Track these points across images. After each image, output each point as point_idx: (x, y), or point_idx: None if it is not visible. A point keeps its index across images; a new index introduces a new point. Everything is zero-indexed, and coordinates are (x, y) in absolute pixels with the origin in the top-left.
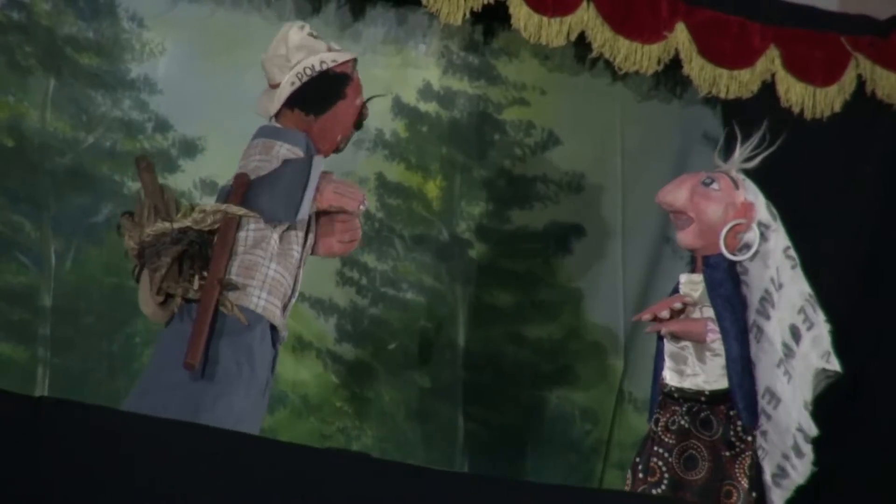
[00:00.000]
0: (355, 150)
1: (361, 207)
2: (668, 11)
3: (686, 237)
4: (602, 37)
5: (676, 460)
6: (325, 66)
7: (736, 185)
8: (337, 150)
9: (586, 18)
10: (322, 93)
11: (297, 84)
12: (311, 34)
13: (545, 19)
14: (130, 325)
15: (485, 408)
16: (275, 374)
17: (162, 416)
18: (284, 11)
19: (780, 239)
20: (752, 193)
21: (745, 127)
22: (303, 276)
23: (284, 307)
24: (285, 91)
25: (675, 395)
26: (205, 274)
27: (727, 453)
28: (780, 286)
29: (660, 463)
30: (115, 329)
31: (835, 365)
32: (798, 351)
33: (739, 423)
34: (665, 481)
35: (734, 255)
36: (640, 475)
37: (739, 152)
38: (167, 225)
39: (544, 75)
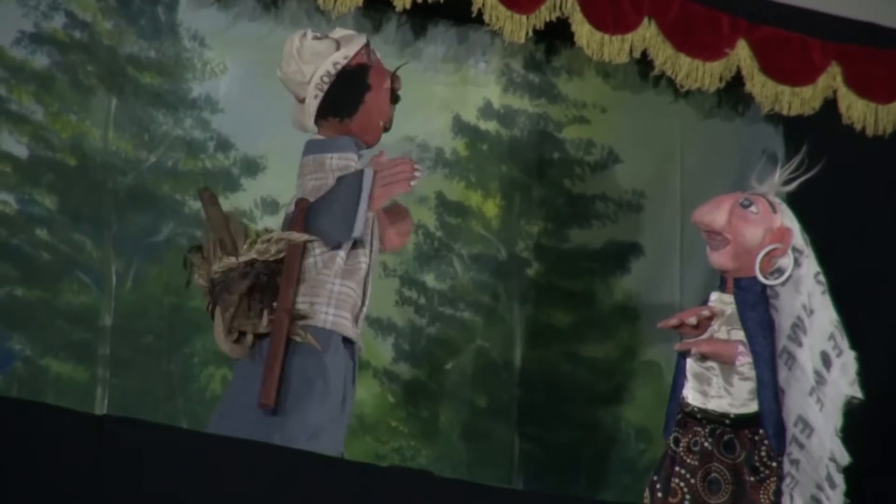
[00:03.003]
0: None
1: (413, 183)
2: (730, 28)
3: (721, 258)
4: (664, 54)
5: (700, 483)
6: (339, 67)
7: (773, 208)
8: (387, 129)
9: (648, 36)
10: (347, 94)
11: (321, 95)
12: (315, 37)
13: (607, 37)
14: (189, 345)
15: (540, 427)
16: (355, 387)
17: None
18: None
19: (811, 265)
20: (789, 218)
21: (806, 144)
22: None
23: (356, 319)
24: (312, 106)
25: (698, 415)
26: (274, 306)
27: (752, 478)
28: (812, 312)
29: (681, 484)
30: (173, 349)
31: (858, 392)
32: (829, 378)
33: (763, 447)
34: (686, 502)
35: (767, 278)
36: (660, 494)
37: (778, 175)
38: (233, 260)
39: (606, 93)
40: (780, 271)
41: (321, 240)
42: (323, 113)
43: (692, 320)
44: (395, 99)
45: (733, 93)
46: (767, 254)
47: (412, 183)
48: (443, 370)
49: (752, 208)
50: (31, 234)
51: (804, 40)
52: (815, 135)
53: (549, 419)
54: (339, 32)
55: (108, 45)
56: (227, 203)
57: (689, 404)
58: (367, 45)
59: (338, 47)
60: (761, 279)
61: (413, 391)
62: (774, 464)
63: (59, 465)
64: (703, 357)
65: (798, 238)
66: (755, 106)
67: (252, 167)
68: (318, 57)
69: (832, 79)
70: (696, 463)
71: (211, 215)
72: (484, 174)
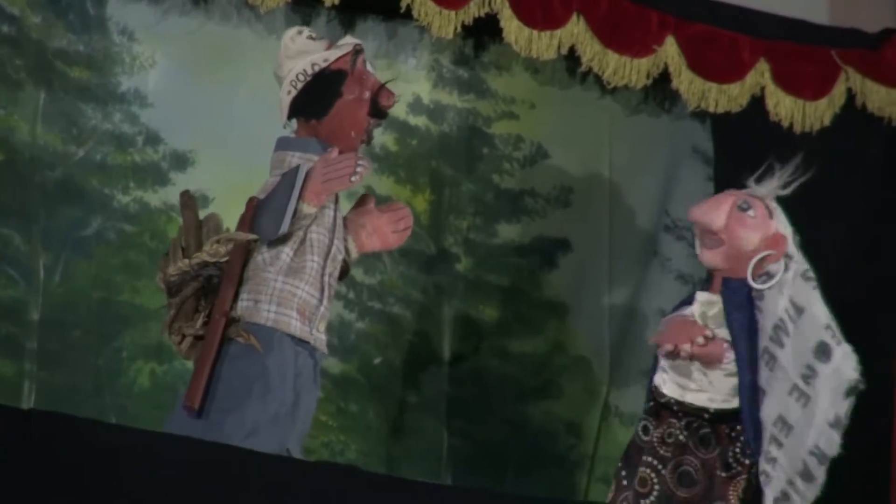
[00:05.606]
0: None
1: (354, 179)
2: (658, 25)
3: (713, 258)
4: (591, 50)
5: (671, 474)
6: (317, 68)
7: (770, 213)
8: (366, 142)
9: (576, 32)
10: (317, 97)
11: (294, 92)
12: (310, 37)
13: (535, 33)
14: (117, 340)
15: (469, 422)
16: (317, 387)
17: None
18: (274, 25)
19: (799, 265)
20: (784, 224)
21: (735, 141)
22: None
23: (311, 318)
24: (284, 102)
25: (674, 407)
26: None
27: (723, 474)
28: (800, 311)
29: (652, 475)
30: (102, 343)
31: (862, 382)
32: (826, 369)
33: (739, 444)
34: (654, 493)
35: (755, 282)
36: (625, 482)
37: (778, 178)
38: (185, 262)
39: (534, 89)
40: (769, 275)
41: (260, 238)
42: (294, 111)
43: (687, 347)
44: (378, 113)
45: (660, 89)
46: (761, 259)
47: (354, 178)
48: (372, 365)
49: (751, 212)
50: None
51: (733, 37)
52: (742, 132)
53: (478, 414)
54: (343, 40)
55: (36, 39)
56: (156, 197)
57: (664, 395)
58: (355, 52)
59: (328, 48)
60: (752, 283)
61: (342, 386)
62: (748, 461)
63: None
64: (691, 357)
65: (791, 244)
66: (682, 102)
67: (181, 161)
68: (303, 55)
69: (760, 76)
70: (669, 454)
71: (185, 218)
72: (413, 169)
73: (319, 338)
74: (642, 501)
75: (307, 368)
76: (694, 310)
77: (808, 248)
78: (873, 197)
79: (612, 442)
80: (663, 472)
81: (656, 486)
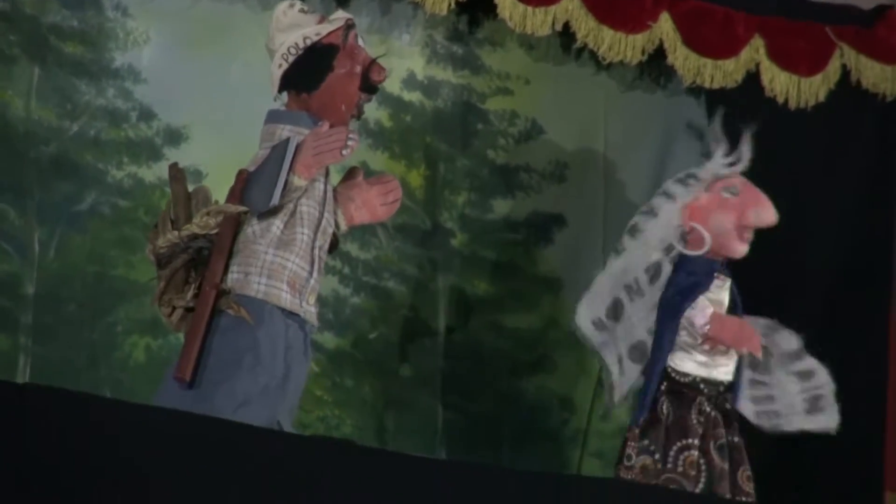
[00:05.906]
0: None
1: (345, 152)
2: (653, 1)
3: (746, 248)
4: (586, 26)
5: (714, 450)
6: (308, 42)
7: None
8: (356, 116)
9: (571, 8)
10: (309, 71)
11: (285, 65)
12: (302, 10)
13: (530, 9)
14: (112, 314)
15: (463, 397)
16: (307, 360)
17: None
18: (269, 0)
19: None
20: None
21: (729, 117)
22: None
23: (301, 291)
24: (276, 75)
25: (701, 385)
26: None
27: (736, 439)
28: None
29: (700, 456)
30: (96, 317)
31: None
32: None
33: (732, 410)
34: (704, 474)
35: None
36: (659, 465)
37: (723, 155)
38: (175, 234)
39: (528, 65)
40: None
41: (250, 210)
42: (285, 85)
43: None
44: (368, 88)
45: (655, 65)
46: None
47: (345, 152)
48: (367, 340)
49: None
50: None
51: (727, 13)
52: (737, 107)
53: (472, 389)
54: (335, 14)
55: (30, 15)
56: (150, 173)
57: (688, 374)
58: (347, 27)
59: (320, 22)
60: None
61: (337, 360)
62: (737, 424)
63: None
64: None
65: None
66: (677, 78)
67: (175, 137)
68: (294, 28)
69: (755, 51)
70: (705, 430)
71: (174, 191)
72: (408, 145)
73: (310, 310)
74: (696, 484)
75: (298, 341)
76: (725, 303)
77: (802, 223)
78: (867, 172)
79: (605, 417)
80: (706, 449)
81: (704, 467)
